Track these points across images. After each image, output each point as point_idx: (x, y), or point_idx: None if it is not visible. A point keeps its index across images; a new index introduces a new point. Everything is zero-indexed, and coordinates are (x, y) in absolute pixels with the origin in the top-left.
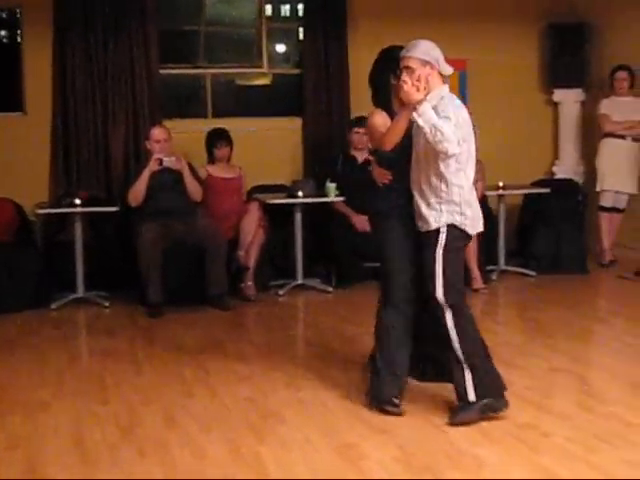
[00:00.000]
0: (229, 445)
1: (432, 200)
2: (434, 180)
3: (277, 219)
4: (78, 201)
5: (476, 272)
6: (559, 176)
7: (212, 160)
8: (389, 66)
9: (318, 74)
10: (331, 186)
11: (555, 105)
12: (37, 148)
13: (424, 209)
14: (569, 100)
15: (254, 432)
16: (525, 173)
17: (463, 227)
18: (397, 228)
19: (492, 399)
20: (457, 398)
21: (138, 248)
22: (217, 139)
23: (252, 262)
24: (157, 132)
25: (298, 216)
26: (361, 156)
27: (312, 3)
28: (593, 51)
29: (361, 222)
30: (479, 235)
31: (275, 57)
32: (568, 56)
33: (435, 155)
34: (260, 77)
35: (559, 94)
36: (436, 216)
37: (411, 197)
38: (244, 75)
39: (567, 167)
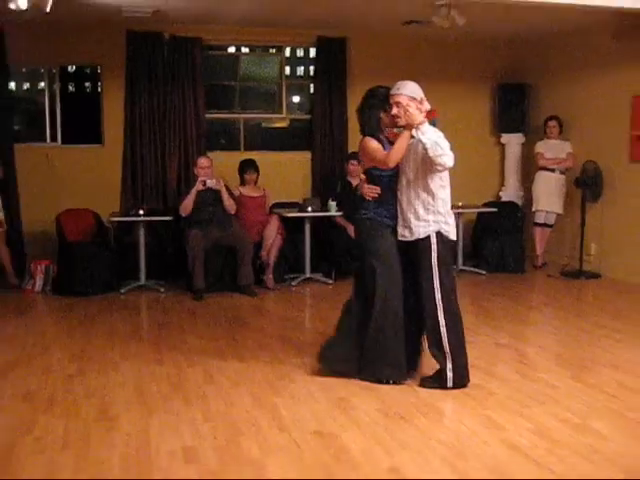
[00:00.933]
0: (252, 397)
1: (421, 212)
2: (423, 195)
3: (291, 228)
4: (142, 212)
5: None
6: (504, 199)
7: (243, 183)
8: (376, 102)
9: (324, 119)
10: (332, 204)
11: (502, 145)
12: (112, 171)
13: (413, 220)
14: (513, 142)
15: (271, 387)
16: (478, 196)
17: (447, 234)
18: (385, 234)
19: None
20: (436, 381)
21: (186, 247)
22: (247, 167)
23: (272, 260)
24: (202, 161)
25: (307, 226)
26: (355, 181)
27: (321, 66)
28: (531, 105)
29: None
30: None
31: (292, 106)
32: (512, 109)
33: (424, 173)
34: (280, 121)
35: (505, 137)
36: (425, 226)
37: (393, 210)
38: (268, 119)
39: (510, 192)
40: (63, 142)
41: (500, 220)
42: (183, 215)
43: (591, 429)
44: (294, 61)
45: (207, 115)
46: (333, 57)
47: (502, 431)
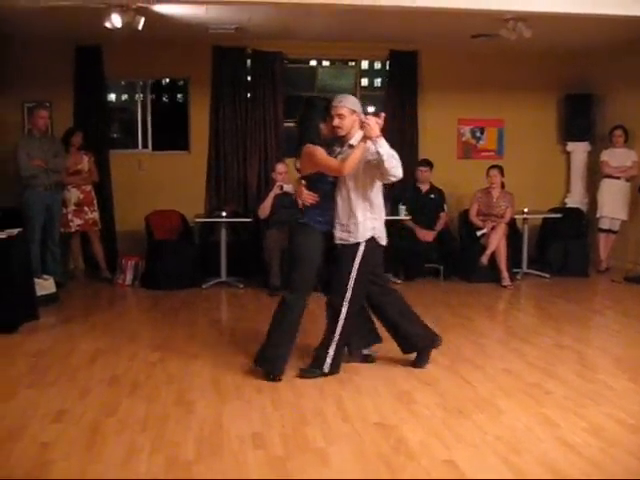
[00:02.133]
0: (318, 388)
1: (360, 218)
2: (363, 202)
3: None
4: (224, 213)
5: (505, 273)
6: (569, 205)
7: None
8: (315, 113)
9: (396, 128)
10: (402, 208)
11: (568, 154)
12: (197, 176)
13: (352, 226)
14: (579, 150)
15: (337, 380)
16: (544, 202)
17: (379, 240)
18: (316, 237)
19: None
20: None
21: (264, 247)
22: None
23: None
24: (280, 167)
25: None
26: (424, 187)
27: (394, 78)
28: (597, 114)
29: (424, 234)
30: (508, 245)
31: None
32: (579, 118)
33: (365, 182)
34: None
35: (571, 146)
36: (362, 231)
37: (329, 216)
38: None
39: (576, 199)
40: (154, 149)
41: (565, 225)
42: (261, 217)
43: None
44: (369, 73)
45: (285, 124)
46: (405, 69)
47: (557, 429)
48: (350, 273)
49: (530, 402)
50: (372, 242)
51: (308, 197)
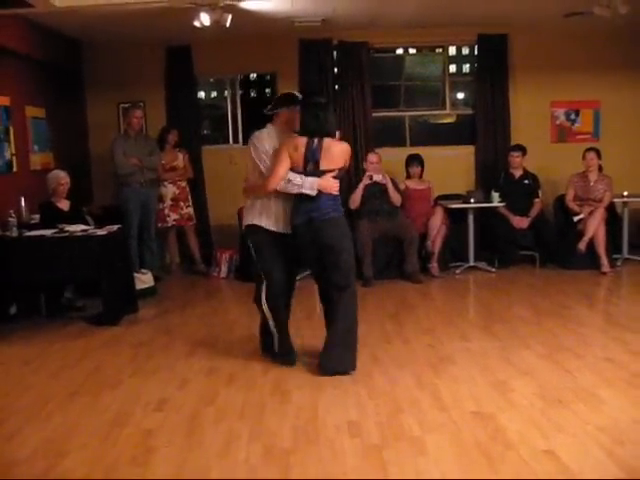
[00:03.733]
0: (414, 377)
1: None
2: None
3: (455, 218)
4: None
5: (604, 259)
6: None
7: (409, 176)
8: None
9: (487, 114)
10: (495, 195)
11: None
12: None
13: None
14: None
15: (433, 369)
16: None
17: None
18: None
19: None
20: None
21: (356, 238)
22: (412, 161)
23: (437, 249)
24: (371, 156)
25: (471, 217)
26: (517, 173)
27: (483, 62)
28: None
29: (518, 221)
30: (607, 231)
31: (455, 102)
32: None
33: None
34: (445, 117)
35: None
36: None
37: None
38: (432, 115)
39: None
40: (244, 143)
41: None
42: (352, 208)
43: None
44: (457, 59)
45: (374, 113)
46: (494, 53)
47: None
48: None
49: (634, 392)
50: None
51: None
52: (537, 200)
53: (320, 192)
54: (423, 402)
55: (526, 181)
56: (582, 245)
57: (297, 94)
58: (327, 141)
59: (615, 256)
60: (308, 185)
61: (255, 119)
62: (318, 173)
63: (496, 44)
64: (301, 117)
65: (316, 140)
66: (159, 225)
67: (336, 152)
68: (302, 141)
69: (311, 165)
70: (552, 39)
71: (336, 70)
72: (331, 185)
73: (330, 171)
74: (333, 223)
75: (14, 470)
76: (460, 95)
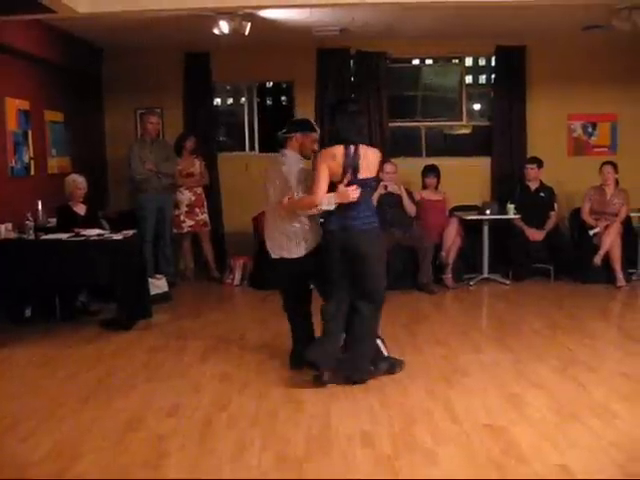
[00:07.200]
0: (427, 389)
1: None
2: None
3: (470, 230)
4: None
5: (620, 273)
6: None
7: (424, 186)
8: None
9: (503, 125)
10: (510, 207)
11: None
12: None
13: None
14: None
15: (446, 381)
16: None
17: None
18: None
19: None
20: None
21: None
22: (428, 172)
23: (451, 260)
24: (387, 166)
25: (485, 228)
26: (533, 186)
27: (501, 74)
28: None
29: (533, 234)
30: (623, 245)
31: (472, 113)
32: None
33: None
34: (461, 128)
35: None
36: None
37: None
38: (448, 126)
39: None
40: (260, 151)
41: None
42: None
43: None
44: (474, 70)
45: (390, 124)
46: (512, 65)
47: None
48: None
49: None
50: None
51: (353, 193)
52: (553, 213)
53: (356, 202)
54: (436, 413)
55: (542, 194)
56: (597, 259)
57: (313, 122)
58: (363, 147)
59: (630, 270)
60: (325, 201)
61: (272, 126)
62: (357, 182)
63: (514, 56)
64: (336, 123)
65: (352, 147)
66: (174, 231)
67: (373, 159)
68: (339, 150)
69: (350, 173)
70: (570, 52)
71: (353, 79)
72: (348, 194)
73: (367, 180)
74: (371, 234)
75: (29, 471)
76: (476, 106)
